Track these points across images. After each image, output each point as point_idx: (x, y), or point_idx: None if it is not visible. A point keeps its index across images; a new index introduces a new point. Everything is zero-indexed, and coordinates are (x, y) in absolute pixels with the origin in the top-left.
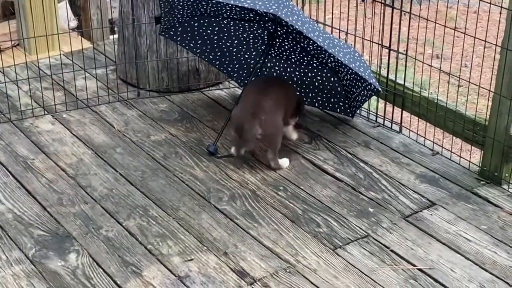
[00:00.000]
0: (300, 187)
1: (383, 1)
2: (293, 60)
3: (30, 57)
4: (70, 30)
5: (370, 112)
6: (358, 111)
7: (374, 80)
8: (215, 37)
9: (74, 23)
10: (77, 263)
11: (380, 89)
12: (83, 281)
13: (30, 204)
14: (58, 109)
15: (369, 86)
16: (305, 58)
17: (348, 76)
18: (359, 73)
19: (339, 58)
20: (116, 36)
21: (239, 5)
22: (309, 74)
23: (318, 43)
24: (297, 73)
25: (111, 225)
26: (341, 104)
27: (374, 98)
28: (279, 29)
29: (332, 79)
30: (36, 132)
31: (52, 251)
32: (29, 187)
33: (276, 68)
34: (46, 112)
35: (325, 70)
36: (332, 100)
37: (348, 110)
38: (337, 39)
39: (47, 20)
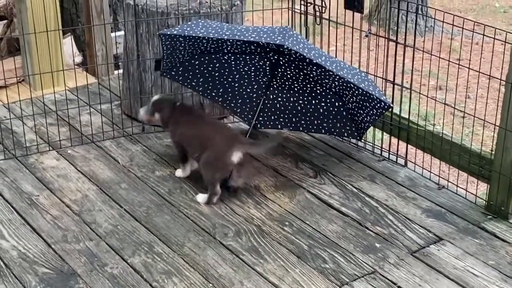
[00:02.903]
0: (305, 222)
1: (386, 36)
2: (296, 89)
3: (35, 93)
4: (75, 66)
5: (375, 145)
6: (363, 145)
7: (384, 97)
8: (217, 74)
9: (79, 58)
10: None
11: (392, 105)
12: None
13: (35, 241)
14: (63, 144)
15: (379, 105)
16: (308, 86)
17: (354, 98)
18: (370, 92)
19: (348, 79)
20: (121, 71)
21: (244, 39)
22: (313, 101)
23: (327, 67)
24: (300, 101)
25: (116, 262)
26: (347, 128)
27: (378, 131)
28: (281, 58)
29: (337, 103)
30: (41, 168)
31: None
32: (33, 224)
33: (279, 99)
34: (51, 148)
35: (329, 96)
36: (338, 125)
37: (356, 133)
38: (343, 62)
39: (52, 56)
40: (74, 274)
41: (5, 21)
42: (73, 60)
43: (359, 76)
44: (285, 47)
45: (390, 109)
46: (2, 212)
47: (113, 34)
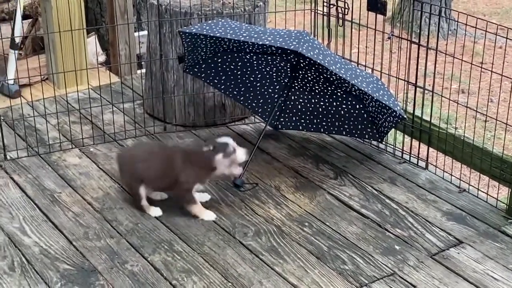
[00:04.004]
0: (325, 223)
1: (409, 39)
2: (317, 91)
3: (58, 91)
4: (99, 65)
5: (396, 148)
6: (383, 147)
7: (398, 107)
8: (239, 72)
9: (102, 57)
10: None
11: (405, 116)
12: None
13: (57, 238)
14: (86, 143)
15: (394, 113)
16: (329, 88)
17: (373, 103)
18: (383, 102)
19: (362, 89)
20: (143, 71)
21: (260, 42)
22: (334, 104)
23: (340, 75)
24: (321, 103)
25: (136, 260)
26: (368, 130)
27: (400, 134)
28: (301, 61)
29: (357, 106)
30: (64, 166)
31: (77, 286)
32: (55, 220)
33: (301, 100)
34: (73, 146)
35: (349, 98)
36: (359, 127)
37: (377, 136)
38: (359, 70)
39: (76, 55)
40: (94, 271)
41: (30, 20)
42: (97, 59)
43: (375, 85)
44: (299, 52)
45: (405, 117)
46: (24, 208)
47: (136, 34)
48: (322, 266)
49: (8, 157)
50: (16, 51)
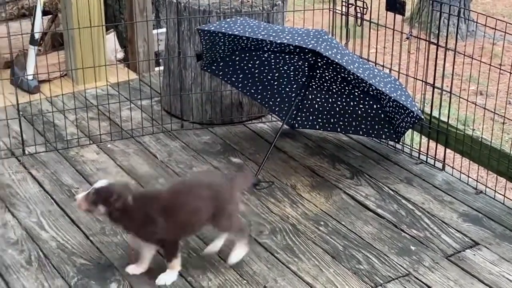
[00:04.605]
0: (341, 223)
1: (427, 39)
2: (334, 90)
3: (77, 87)
4: (117, 62)
5: (413, 149)
6: (400, 147)
7: (416, 108)
8: (256, 71)
9: (120, 54)
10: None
11: (422, 117)
12: None
13: (74, 233)
14: (103, 139)
15: (412, 114)
16: (347, 88)
17: (391, 103)
18: (401, 102)
19: (379, 88)
20: (161, 68)
21: (278, 41)
22: (351, 103)
23: (358, 74)
24: (339, 102)
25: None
26: (385, 130)
27: (417, 134)
28: (319, 60)
29: (375, 106)
30: (81, 161)
31: (94, 281)
32: (73, 215)
33: (318, 99)
34: (91, 142)
35: (367, 98)
36: (376, 127)
37: (394, 136)
38: (377, 69)
39: (94, 51)
40: (111, 266)
41: (50, 16)
42: (115, 56)
43: (392, 85)
44: (317, 51)
45: (422, 118)
46: (42, 203)
47: (155, 31)
48: (337, 265)
49: (27, 152)
50: (36, 47)
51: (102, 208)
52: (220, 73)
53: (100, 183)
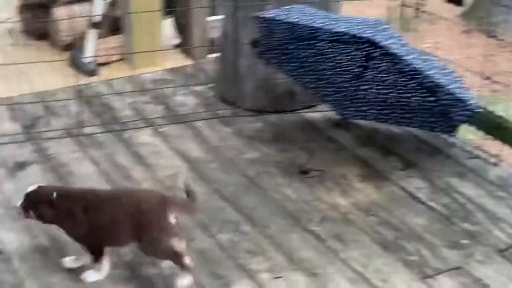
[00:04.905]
0: (391, 214)
1: (485, 34)
2: (388, 82)
3: (133, 71)
4: (173, 47)
5: (467, 143)
6: (454, 141)
7: (473, 101)
8: (310, 60)
9: (176, 40)
10: (169, 272)
11: (479, 111)
12: None
13: None
14: (158, 122)
15: (468, 107)
16: (401, 80)
17: (447, 96)
18: (457, 95)
19: (436, 80)
20: (216, 55)
21: (335, 30)
22: (406, 95)
23: (415, 65)
24: (393, 94)
25: (203, 238)
26: (440, 123)
27: (472, 128)
28: (375, 50)
29: (430, 98)
30: (136, 144)
31: (147, 259)
32: None
33: (371, 90)
34: (146, 125)
35: (422, 90)
36: (430, 120)
37: (448, 129)
38: (435, 61)
39: (151, 37)
40: None
41: (109, 0)
42: (171, 42)
43: (449, 77)
44: (374, 41)
45: (480, 111)
46: (98, 182)
47: (210, 18)
48: (387, 255)
49: (84, 133)
50: (96, 30)
51: (33, 213)
52: (275, 61)
53: (29, 188)
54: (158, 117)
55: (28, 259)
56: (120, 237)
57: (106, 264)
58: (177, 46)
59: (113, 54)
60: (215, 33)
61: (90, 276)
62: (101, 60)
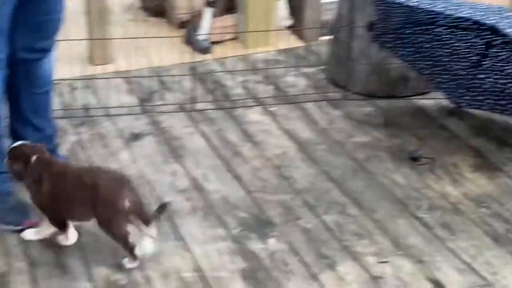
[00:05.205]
0: (504, 206)
1: None
2: (508, 71)
3: (246, 51)
4: (285, 28)
5: None
6: None
7: None
8: (427, 46)
9: (289, 21)
10: (275, 248)
11: None
12: (280, 265)
13: (236, 188)
14: (267, 102)
15: None
16: None
17: None
18: None
19: None
20: (328, 37)
21: (456, 15)
22: None
23: None
24: (510, 84)
25: (309, 217)
26: None
27: None
28: (497, 38)
29: None
30: (246, 122)
31: (253, 233)
32: (236, 171)
33: (488, 79)
34: (256, 104)
35: None
36: None
37: None
38: None
39: (266, 17)
40: (270, 223)
41: None
42: (284, 23)
43: None
44: (496, 29)
45: None
46: (208, 157)
47: (323, 0)
48: (498, 248)
49: (197, 108)
50: (211, 9)
51: (16, 168)
52: (390, 45)
53: (16, 143)
54: (268, 97)
55: None
56: (77, 212)
57: (72, 232)
58: (289, 27)
59: (227, 33)
60: (328, 15)
61: (62, 241)
62: (215, 38)
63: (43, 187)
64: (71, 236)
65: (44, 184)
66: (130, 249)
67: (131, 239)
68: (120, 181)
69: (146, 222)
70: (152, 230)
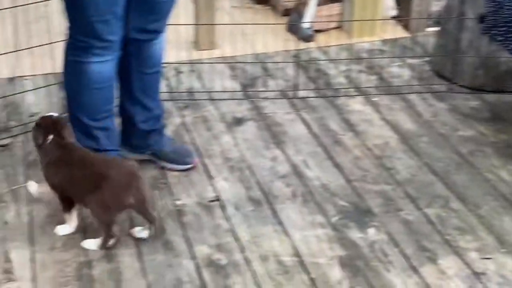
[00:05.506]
0: None
1: None
2: None
3: (350, 40)
4: (391, 18)
5: None
6: None
7: None
8: None
9: (394, 12)
10: (375, 238)
11: None
12: (379, 256)
13: (336, 176)
14: (370, 92)
15: None
16: None
17: None
18: None
19: None
20: (434, 28)
21: None
22: None
23: None
24: None
25: (410, 209)
26: None
27: None
28: None
29: None
30: (347, 111)
31: (352, 222)
32: (336, 159)
33: None
34: (358, 94)
35: None
36: None
37: None
38: None
39: (372, 6)
40: (370, 212)
41: None
42: (389, 13)
43: None
44: None
45: None
46: (308, 144)
47: None
48: None
49: (299, 95)
50: None
51: (35, 139)
52: (500, 38)
53: (48, 114)
54: (371, 87)
55: (241, 208)
56: (80, 193)
57: (74, 217)
58: (395, 17)
59: (331, 21)
60: (436, 6)
61: (60, 230)
62: (319, 26)
63: (54, 168)
64: (73, 221)
65: (55, 167)
66: (106, 237)
67: (114, 229)
68: (130, 176)
69: (148, 220)
70: (146, 232)
